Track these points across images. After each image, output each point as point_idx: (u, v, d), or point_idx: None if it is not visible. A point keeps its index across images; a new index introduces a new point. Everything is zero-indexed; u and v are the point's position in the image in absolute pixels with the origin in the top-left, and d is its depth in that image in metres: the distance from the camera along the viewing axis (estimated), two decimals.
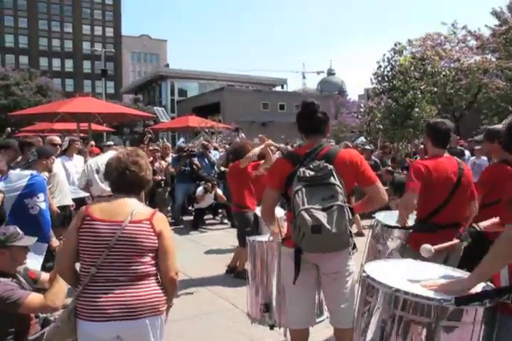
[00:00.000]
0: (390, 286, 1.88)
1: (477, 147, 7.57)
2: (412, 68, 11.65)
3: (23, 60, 61.66)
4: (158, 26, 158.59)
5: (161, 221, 2.39)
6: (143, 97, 45.49)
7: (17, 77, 34.56)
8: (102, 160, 5.68)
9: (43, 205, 3.68)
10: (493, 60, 18.49)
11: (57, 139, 6.02)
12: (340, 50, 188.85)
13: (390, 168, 9.38)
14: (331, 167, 2.63)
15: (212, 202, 8.96)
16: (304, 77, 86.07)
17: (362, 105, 14.13)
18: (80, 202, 6.78)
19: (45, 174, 5.34)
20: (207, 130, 16.25)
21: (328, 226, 2.44)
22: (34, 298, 2.58)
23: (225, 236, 8.03)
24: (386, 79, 12.26)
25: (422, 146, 10.65)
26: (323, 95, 44.89)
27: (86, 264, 2.24)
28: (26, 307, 2.55)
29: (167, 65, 53.45)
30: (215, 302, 4.62)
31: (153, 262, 2.32)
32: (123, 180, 2.37)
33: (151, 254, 2.31)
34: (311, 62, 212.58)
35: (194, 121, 18.10)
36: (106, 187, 5.13)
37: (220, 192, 8.88)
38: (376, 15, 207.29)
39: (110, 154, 6.52)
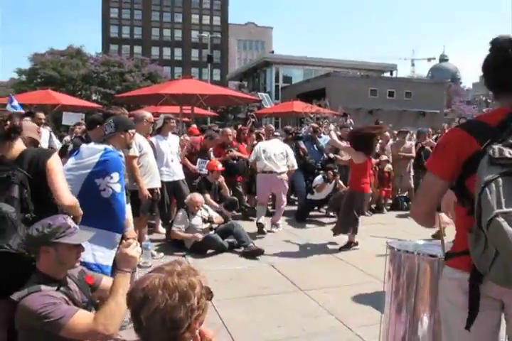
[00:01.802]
0: None
1: None
2: None
3: (137, 49, 64.92)
4: (263, 14, 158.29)
5: None
6: (247, 84, 45.42)
7: (130, 65, 36.21)
8: (267, 143, 7.32)
9: (117, 187, 2.97)
10: None
11: (150, 116, 5.42)
12: (455, 36, 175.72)
13: None
14: None
15: (329, 193, 7.87)
16: (412, 65, 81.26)
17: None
18: (174, 185, 6.21)
19: (134, 152, 4.76)
20: (312, 115, 15.35)
21: None
22: (81, 318, 1.82)
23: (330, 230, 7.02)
24: None
25: None
26: (435, 82, 41.58)
27: None
28: (69, 331, 1.80)
29: (272, 52, 52.94)
30: (319, 318, 3.66)
31: None
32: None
33: None
34: (421, 49, 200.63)
35: (299, 106, 17.31)
36: (268, 164, 6.76)
37: (341, 182, 7.81)
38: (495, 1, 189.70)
39: (274, 141, 7.35)
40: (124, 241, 2.11)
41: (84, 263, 2.75)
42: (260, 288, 4.26)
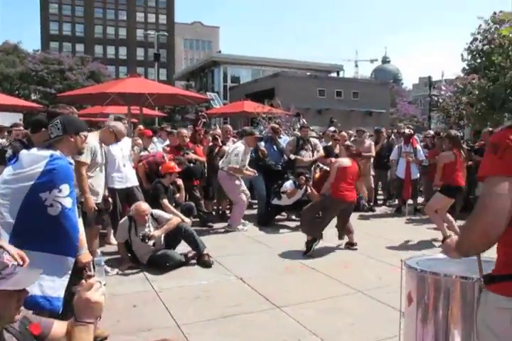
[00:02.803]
0: None
1: None
2: None
3: (79, 47, 62.47)
4: (210, 13, 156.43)
5: None
6: (195, 84, 44.68)
7: (70, 63, 34.65)
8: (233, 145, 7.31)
9: (68, 202, 2.46)
10: None
11: (121, 129, 4.80)
12: (395, 39, 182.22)
13: None
14: None
15: (299, 198, 7.45)
16: (356, 66, 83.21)
17: (443, 87, 12.36)
18: (127, 192, 5.67)
19: (86, 158, 4.20)
20: (264, 115, 15.04)
21: None
22: None
23: (300, 236, 6.70)
24: (481, 54, 10.36)
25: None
26: (381, 82, 42.51)
27: None
28: None
29: (219, 52, 52.45)
30: (303, 340, 3.30)
31: None
32: None
33: None
34: (365, 50, 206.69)
35: (250, 106, 16.98)
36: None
37: (312, 188, 7.40)
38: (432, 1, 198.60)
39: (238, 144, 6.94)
40: (83, 281, 1.60)
41: (29, 297, 2.23)
42: (231, 307, 3.83)
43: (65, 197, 2.44)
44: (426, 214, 6.67)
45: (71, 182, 2.52)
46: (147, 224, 5.10)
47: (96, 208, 4.30)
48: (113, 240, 5.92)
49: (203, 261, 5.10)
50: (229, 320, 3.56)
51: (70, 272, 2.48)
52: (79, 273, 2.58)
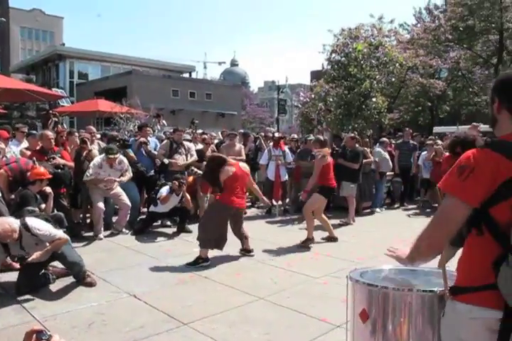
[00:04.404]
0: None
1: None
2: (366, 56, 10.82)
3: None
4: (52, 1, 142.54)
5: None
6: (36, 78, 40.68)
7: None
8: None
9: None
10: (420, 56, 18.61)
11: None
12: (244, 41, 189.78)
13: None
14: None
15: (175, 205, 7.16)
16: (205, 67, 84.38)
17: (302, 94, 13.17)
18: None
19: None
20: (122, 115, 14.32)
21: None
22: None
23: (180, 243, 6.49)
24: (340, 65, 11.30)
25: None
26: (234, 85, 43.71)
27: None
28: None
29: (63, 45, 48.61)
30: None
31: None
32: None
33: None
34: (213, 53, 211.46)
35: (105, 105, 16.05)
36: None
37: (188, 195, 7.22)
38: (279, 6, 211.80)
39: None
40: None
41: None
42: (136, 330, 3.49)
43: None
44: (303, 214, 6.90)
45: None
46: (20, 241, 4.34)
47: None
48: None
49: (86, 283, 4.57)
50: None
51: None
52: None
